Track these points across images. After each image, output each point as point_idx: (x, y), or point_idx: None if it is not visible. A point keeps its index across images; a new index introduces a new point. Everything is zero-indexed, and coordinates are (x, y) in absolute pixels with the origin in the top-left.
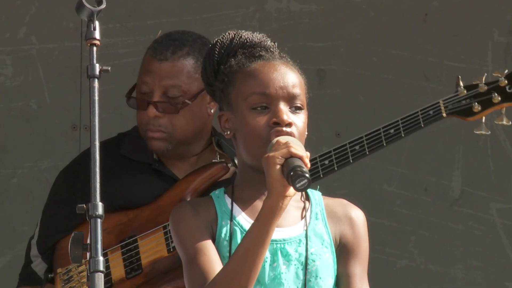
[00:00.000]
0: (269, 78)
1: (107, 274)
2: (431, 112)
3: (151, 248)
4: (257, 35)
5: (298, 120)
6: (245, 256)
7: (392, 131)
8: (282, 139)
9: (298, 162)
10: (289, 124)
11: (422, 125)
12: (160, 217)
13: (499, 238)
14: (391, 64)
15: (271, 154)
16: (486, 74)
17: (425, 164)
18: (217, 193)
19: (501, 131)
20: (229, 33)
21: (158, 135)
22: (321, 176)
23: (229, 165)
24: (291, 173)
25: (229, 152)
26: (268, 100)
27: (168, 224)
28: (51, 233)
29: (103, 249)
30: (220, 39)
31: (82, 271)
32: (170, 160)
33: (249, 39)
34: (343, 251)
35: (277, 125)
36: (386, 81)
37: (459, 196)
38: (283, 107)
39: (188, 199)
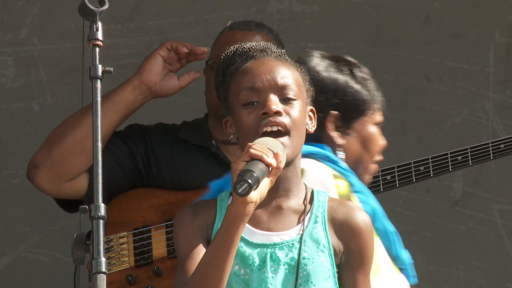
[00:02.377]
0: (257, 73)
1: (148, 251)
2: None
3: None
4: (261, 43)
5: (292, 110)
6: (211, 262)
7: (502, 146)
8: (253, 142)
9: (251, 166)
10: (278, 113)
11: None
12: None
13: (500, 239)
14: (393, 65)
15: (233, 159)
16: None
17: None
18: (223, 195)
19: (502, 132)
20: (234, 47)
21: None
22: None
23: None
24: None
25: None
26: (258, 94)
27: None
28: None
29: (148, 225)
30: (225, 54)
31: (123, 243)
32: (230, 147)
33: (252, 47)
34: (348, 259)
35: (266, 115)
36: (387, 81)
37: (461, 197)
38: (273, 97)
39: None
